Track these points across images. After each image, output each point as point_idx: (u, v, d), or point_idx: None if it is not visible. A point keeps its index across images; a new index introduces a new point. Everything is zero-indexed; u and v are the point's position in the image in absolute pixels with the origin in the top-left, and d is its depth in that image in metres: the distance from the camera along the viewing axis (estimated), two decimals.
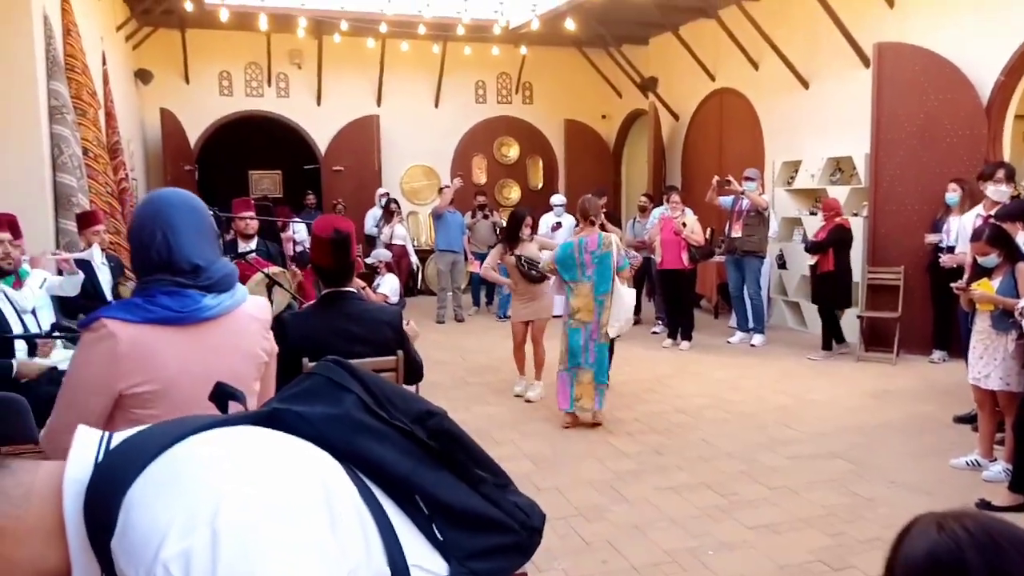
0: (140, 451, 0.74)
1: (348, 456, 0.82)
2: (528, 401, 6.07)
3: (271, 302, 3.81)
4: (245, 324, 1.80)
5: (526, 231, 6.18)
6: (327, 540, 0.73)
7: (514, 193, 13.30)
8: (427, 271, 11.69)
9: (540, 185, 13.33)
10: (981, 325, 4.39)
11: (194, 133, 11.53)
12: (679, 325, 8.18)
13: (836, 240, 7.26)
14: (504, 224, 10.69)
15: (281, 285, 4.12)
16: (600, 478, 4.48)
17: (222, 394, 1.00)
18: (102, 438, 0.79)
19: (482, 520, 0.88)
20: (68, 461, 0.76)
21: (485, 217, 10.24)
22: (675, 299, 8.22)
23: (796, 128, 9.13)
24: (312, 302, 3.01)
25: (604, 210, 8.95)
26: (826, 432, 5.23)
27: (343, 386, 0.89)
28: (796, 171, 9.15)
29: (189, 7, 9.18)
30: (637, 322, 9.37)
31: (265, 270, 4.29)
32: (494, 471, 0.95)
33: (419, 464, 0.87)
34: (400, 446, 0.87)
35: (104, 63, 8.09)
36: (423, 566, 0.82)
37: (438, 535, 0.85)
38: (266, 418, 0.84)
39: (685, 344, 8.06)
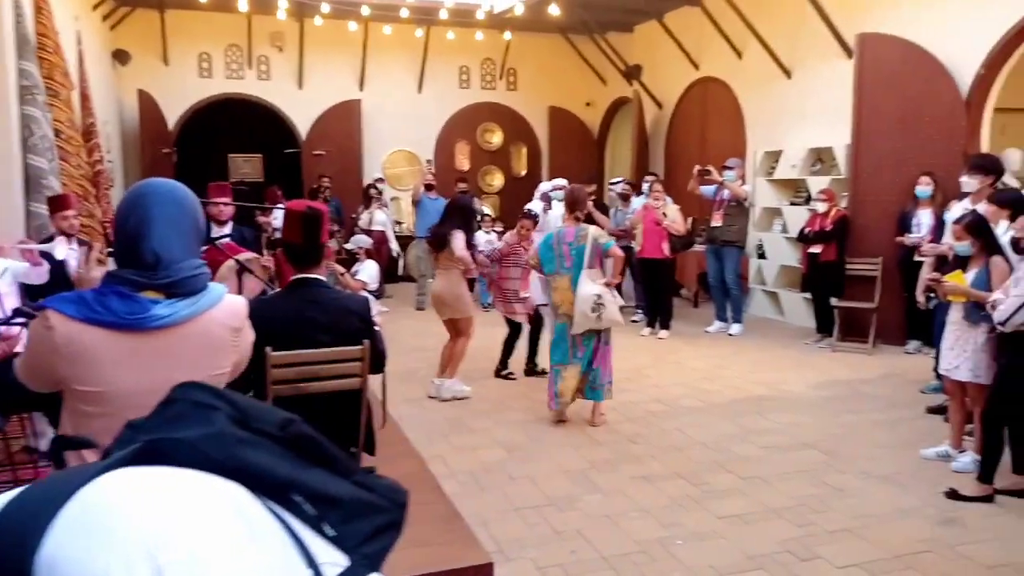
0: (39, 505, 0.72)
1: (235, 472, 0.83)
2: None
3: (240, 289, 3.76)
4: (210, 332, 1.72)
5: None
6: (256, 557, 0.74)
7: (497, 180, 13.25)
8: (408, 257, 11.63)
9: (524, 172, 13.28)
10: (954, 316, 4.42)
11: (173, 116, 11.37)
12: (658, 314, 8.19)
13: (842, 229, 7.32)
14: (485, 211, 10.68)
15: (252, 272, 4.06)
16: (574, 467, 4.48)
17: (66, 444, 1.01)
18: None
19: (364, 506, 0.93)
20: None
21: (451, 199, 10.19)
22: (655, 288, 8.23)
23: (778, 118, 9.13)
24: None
25: (592, 198, 8.98)
26: (800, 422, 5.26)
27: (209, 405, 0.90)
28: (777, 161, 9.15)
29: None
30: None
31: (237, 256, 4.23)
32: (354, 463, 0.99)
33: (296, 466, 0.89)
34: (276, 453, 0.89)
35: (79, 43, 7.94)
36: (330, 562, 0.84)
37: (329, 531, 0.87)
38: (147, 453, 0.83)
39: (664, 333, 8.08)
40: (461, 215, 5.96)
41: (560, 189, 9.16)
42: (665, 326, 8.12)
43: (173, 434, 0.85)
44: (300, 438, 0.92)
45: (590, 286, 5.02)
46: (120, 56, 10.81)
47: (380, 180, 11.03)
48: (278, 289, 4.43)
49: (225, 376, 1.80)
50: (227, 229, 5.26)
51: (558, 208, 9.28)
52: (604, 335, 5.24)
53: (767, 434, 5.02)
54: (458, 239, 5.78)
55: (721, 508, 3.89)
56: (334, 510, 0.88)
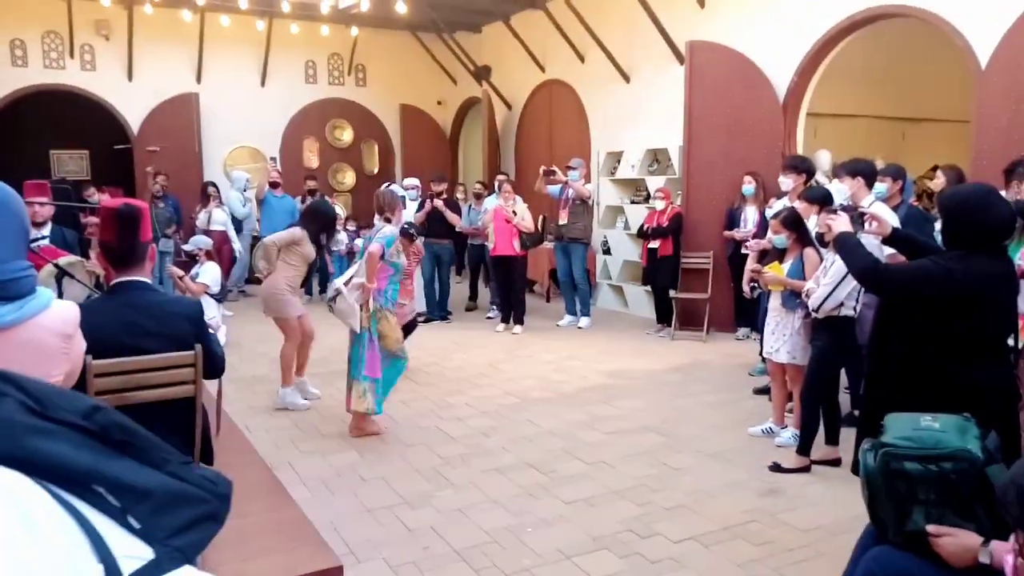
0: None
1: (24, 462, 0.78)
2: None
3: (61, 295, 3.48)
4: (38, 339, 1.59)
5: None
6: (31, 549, 0.70)
7: (348, 178, 13.00)
8: (254, 258, 11.17)
9: (376, 170, 13.11)
10: (773, 303, 4.81)
11: None
12: (512, 310, 8.36)
13: (677, 226, 7.75)
14: (340, 212, 10.44)
15: (73, 276, 3.76)
16: (428, 464, 4.50)
17: None
18: None
19: (174, 497, 0.90)
20: None
21: (310, 203, 9.93)
22: (507, 285, 8.39)
23: (618, 120, 9.56)
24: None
25: (444, 196, 9.02)
26: (642, 407, 5.54)
27: None
28: (619, 161, 9.58)
29: None
30: (472, 308, 9.54)
31: (57, 260, 3.91)
32: (173, 452, 0.95)
33: (100, 456, 0.85)
34: (76, 442, 0.84)
35: None
36: (131, 555, 0.81)
37: (135, 523, 0.84)
38: None
39: (518, 328, 8.25)
40: (315, 220, 5.79)
41: (413, 188, 9.14)
42: (519, 321, 8.30)
43: None
44: (108, 427, 0.88)
45: (341, 280, 4.89)
46: None
47: (248, 179, 10.47)
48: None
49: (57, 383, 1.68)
50: (46, 231, 4.84)
51: (411, 207, 9.23)
52: (368, 337, 4.87)
53: (611, 420, 5.26)
54: (286, 231, 5.63)
55: (568, 493, 4.04)
56: (141, 502, 0.86)
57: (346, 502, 3.97)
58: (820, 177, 7.02)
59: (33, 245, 4.20)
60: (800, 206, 4.94)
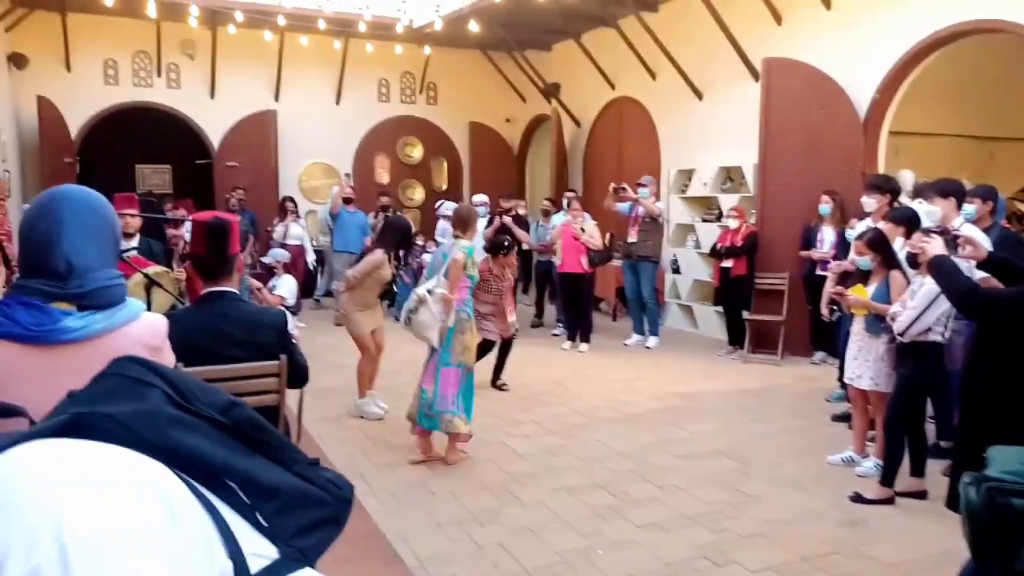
0: None
1: (165, 452, 0.81)
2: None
3: (149, 304, 3.61)
4: (127, 349, 1.61)
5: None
6: (172, 540, 0.72)
7: (418, 194, 13.19)
8: (327, 271, 11.42)
9: (444, 186, 13.27)
10: (856, 327, 4.64)
11: (76, 124, 10.85)
12: (579, 328, 8.30)
13: (752, 245, 7.61)
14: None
15: (161, 286, 3.90)
16: (496, 481, 4.48)
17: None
18: None
19: (301, 498, 0.91)
20: None
21: (387, 218, 10.10)
22: (574, 302, 8.34)
23: (690, 137, 9.44)
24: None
25: (512, 214, 9.07)
26: (713, 431, 5.41)
27: (145, 382, 0.88)
28: (690, 179, 9.45)
29: None
30: (538, 325, 9.51)
31: (145, 270, 4.06)
32: (300, 452, 0.96)
33: (234, 452, 0.87)
34: (213, 436, 0.87)
35: None
36: (257, 552, 0.82)
37: (262, 521, 0.85)
38: (70, 426, 0.79)
39: (584, 346, 8.18)
40: (394, 236, 5.88)
41: (482, 205, 9.22)
42: (585, 339, 8.23)
43: (103, 408, 0.82)
44: (242, 423, 0.89)
45: (423, 288, 4.79)
46: (16, 60, 10.25)
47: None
48: (188, 303, 4.27)
49: None
50: (134, 242, 5.04)
51: (480, 224, 9.26)
52: (438, 352, 4.71)
53: (682, 443, 5.15)
54: (367, 260, 5.68)
55: (639, 517, 3.95)
56: (269, 500, 0.86)
57: (416, 516, 3.98)
58: (904, 198, 6.78)
59: (124, 255, 4.37)
60: (886, 227, 4.77)
